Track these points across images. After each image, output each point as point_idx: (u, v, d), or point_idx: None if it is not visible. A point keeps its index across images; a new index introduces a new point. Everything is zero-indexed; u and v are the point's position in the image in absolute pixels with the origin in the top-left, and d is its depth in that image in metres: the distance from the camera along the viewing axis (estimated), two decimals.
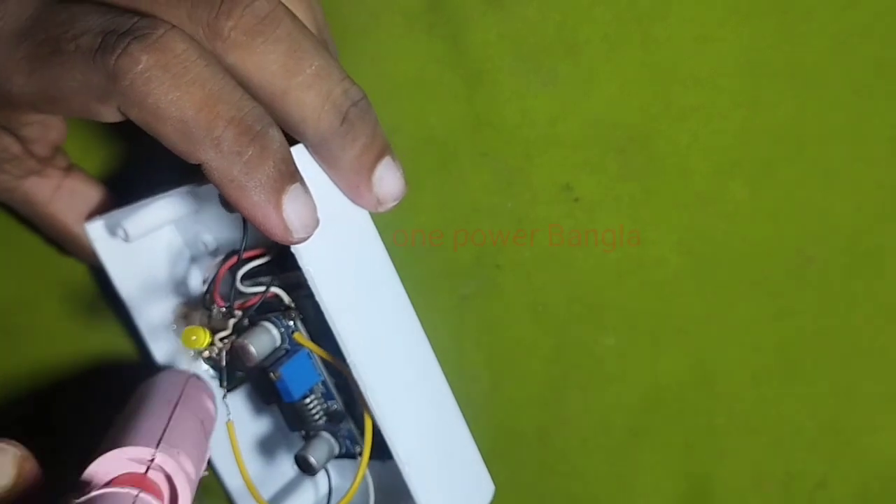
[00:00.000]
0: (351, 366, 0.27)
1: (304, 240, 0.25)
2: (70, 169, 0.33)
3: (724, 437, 0.34)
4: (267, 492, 0.34)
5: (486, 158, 0.33)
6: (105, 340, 0.37)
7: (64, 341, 0.37)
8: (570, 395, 0.35)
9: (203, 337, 0.28)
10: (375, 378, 0.27)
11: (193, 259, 0.33)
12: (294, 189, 0.24)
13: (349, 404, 0.31)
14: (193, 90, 0.22)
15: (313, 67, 0.24)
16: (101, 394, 0.37)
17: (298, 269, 0.26)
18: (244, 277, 0.29)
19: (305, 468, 0.31)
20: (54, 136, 0.30)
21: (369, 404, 0.27)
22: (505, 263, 0.34)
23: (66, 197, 0.32)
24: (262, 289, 0.28)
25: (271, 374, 0.29)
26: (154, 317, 0.33)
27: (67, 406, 0.37)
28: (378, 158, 0.26)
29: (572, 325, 0.34)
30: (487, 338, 0.35)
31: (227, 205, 0.24)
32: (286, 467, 0.36)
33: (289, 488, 0.35)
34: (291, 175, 0.24)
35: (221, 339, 0.29)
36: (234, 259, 0.29)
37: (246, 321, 0.29)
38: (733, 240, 0.33)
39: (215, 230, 0.32)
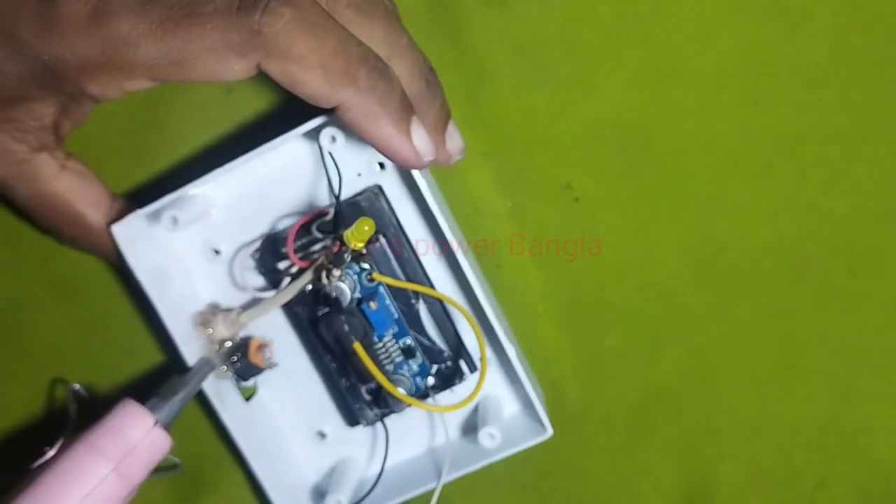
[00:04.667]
0: (465, 268, 0.30)
1: (429, 164, 0.28)
2: (69, 156, 0.33)
3: (724, 437, 0.34)
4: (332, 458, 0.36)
5: (486, 158, 0.33)
6: (104, 339, 0.37)
7: (63, 341, 0.37)
8: (570, 395, 0.35)
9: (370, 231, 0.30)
10: (478, 287, 0.30)
11: (208, 262, 0.34)
12: (415, 118, 0.27)
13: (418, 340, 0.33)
14: (329, 37, 0.25)
15: (404, 40, 0.28)
16: (100, 393, 0.37)
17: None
18: (314, 231, 0.31)
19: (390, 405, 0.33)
20: (79, 117, 0.31)
21: (482, 303, 0.30)
22: (505, 264, 0.34)
23: (71, 176, 0.32)
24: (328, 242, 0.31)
25: (371, 304, 0.31)
26: (179, 319, 0.33)
27: (67, 406, 0.37)
28: (449, 117, 0.29)
29: (572, 325, 0.34)
30: None
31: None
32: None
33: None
34: (410, 106, 0.27)
35: (329, 275, 0.30)
36: (315, 213, 0.31)
37: (323, 273, 0.31)
38: (733, 240, 0.33)
39: (228, 237, 0.33)
